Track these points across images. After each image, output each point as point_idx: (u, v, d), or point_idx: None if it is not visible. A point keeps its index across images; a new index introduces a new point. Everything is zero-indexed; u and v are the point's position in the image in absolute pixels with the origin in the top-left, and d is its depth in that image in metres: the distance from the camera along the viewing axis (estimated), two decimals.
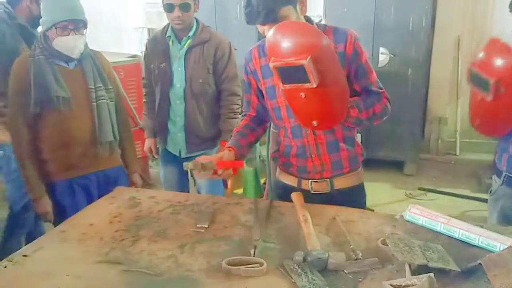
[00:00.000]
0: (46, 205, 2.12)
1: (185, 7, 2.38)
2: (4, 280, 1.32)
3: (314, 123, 1.56)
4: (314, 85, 1.41)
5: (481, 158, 4.64)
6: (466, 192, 4.01)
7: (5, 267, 1.37)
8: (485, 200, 3.78)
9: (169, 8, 2.38)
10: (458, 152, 4.89)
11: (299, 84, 1.44)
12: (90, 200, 2.05)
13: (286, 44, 1.42)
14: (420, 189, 4.14)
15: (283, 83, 1.47)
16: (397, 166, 4.58)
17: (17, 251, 1.45)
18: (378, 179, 4.30)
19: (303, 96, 1.47)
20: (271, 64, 1.45)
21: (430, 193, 4.07)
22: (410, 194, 4.06)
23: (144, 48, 2.77)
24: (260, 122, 1.90)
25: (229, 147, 1.76)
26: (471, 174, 4.38)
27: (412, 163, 4.56)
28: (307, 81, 1.41)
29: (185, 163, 1.62)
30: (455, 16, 4.64)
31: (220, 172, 1.66)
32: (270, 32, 1.46)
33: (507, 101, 1.66)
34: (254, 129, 1.87)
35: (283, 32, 1.44)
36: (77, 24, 2.04)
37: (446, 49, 4.74)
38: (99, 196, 1.94)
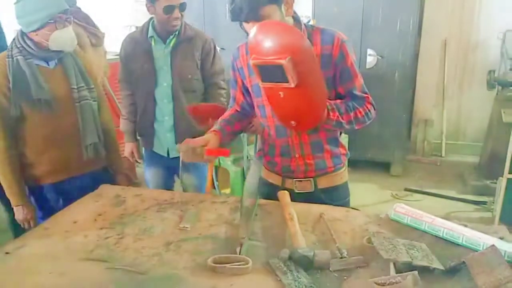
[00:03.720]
0: (27, 212, 2.05)
1: (182, 7, 2.36)
2: None
3: (292, 123, 1.58)
4: (292, 85, 1.42)
5: (466, 160, 4.71)
6: (452, 193, 4.05)
7: None
8: (470, 202, 3.87)
9: (169, 10, 2.31)
10: (444, 154, 4.95)
11: (278, 83, 1.45)
12: None
13: (267, 43, 1.42)
14: (406, 190, 4.17)
15: (262, 81, 1.48)
16: (384, 167, 4.61)
17: None
18: (365, 179, 4.32)
19: (282, 95, 1.48)
20: (251, 62, 1.45)
21: (416, 194, 4.10)
22: (396, 194, 4.08)
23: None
24: (244, 115, 1.91)
25: (215, 130, 1.76)
26: (457, 176, 4.43)
27: (398, 164, 4.59)
28: (286, 80, 1.42)
29: (177, 145, 1.65)
30: (442, 18, 4.68)
31: (205, 157, 1.67)
32: (252, 30, 1.47)
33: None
34: (240, 119, 1.88)
35: (265, 30, 1.45)
36: (67, 14, 1.96)
37: (433, 52, 4.78)
38: None
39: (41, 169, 2.07)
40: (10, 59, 1.94)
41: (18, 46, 1.96)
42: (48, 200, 2.12)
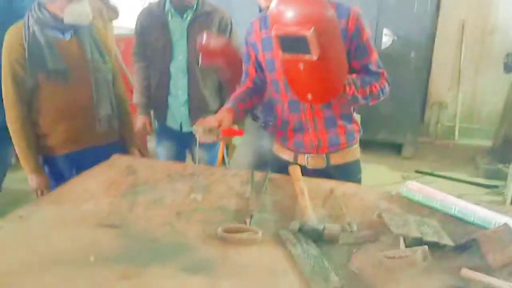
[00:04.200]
0: (40, 181, 2.08)
1: None
2: (0, 239, 1.32)
3: (309, 96, 1.56)
4: (315, 58, 1.40)
5: (479, 143, 4.65)
6: (463, 177, 4.02)
7: (1, 227, 1.37)
8: (482, 185, 3.84)
9: None
10: (457, 137, 4.89)
11: (299, 55, 1.43)
12: None
13: (290, 13, 1.40)
14: (417, 172, 4.15)
15: (282, 52, 1.46)
16: (395, 148, 4.58)
17: (13, 212, 1.45)
18: (376, 161, 4.30)
19: (301, 67, 1.46)
20: (273, 32, 1.43)
21: (426, 176, 4.08)
22: (407, 176, 4.06)
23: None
24: (257, 91, 1.89)
25: (228, 108, 1.75)
26: (469, 159, 4.38)
27: (410, 146, 4.55)
28: (308, 52, 1.39)
29: (194, 127, 1.63)
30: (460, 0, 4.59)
31: (220, 137, 1.67)
32: (274, 0, 1.44)
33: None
34: (251, 96, 1.86)
35: (288, 1, 1.42)
36: None
37: (450, 33, 4.69)
38: None
39: (54, 140, 2.09)
40: (26, 29, 1.94)
41: (35, 16, 1.96)
42: (61, 170, 2.14)
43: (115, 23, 3.58)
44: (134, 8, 5.00)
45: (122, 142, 2.30)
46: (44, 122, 2.07)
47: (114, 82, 2.20)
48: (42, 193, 2.09)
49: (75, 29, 2.03)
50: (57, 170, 2.15)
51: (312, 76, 1.48)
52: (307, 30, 1.36)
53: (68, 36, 2.03)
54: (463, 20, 4.65)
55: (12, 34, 1.96)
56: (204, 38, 2.15)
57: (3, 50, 1.97)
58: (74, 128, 2.09)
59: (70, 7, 1.92)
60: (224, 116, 1.70)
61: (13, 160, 2.72)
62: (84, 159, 2.09)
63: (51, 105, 2.03)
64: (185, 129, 2.57)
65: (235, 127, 1.86)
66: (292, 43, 1.41)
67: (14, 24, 2.00)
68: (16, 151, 2.08)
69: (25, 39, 1.93)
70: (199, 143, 1.67)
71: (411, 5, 4.16)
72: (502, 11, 4.55)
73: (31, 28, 1.95)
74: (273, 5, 1.44)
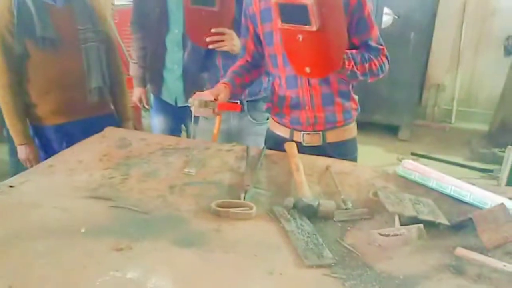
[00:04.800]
0: (29, 152, 2.05)
1: None
2: None
3: (307, 69, 1.51)
4: (314, 28, 1.36)
5: (476, 127, 4.65)
6: (458, 160, 4.02)
7: None
8: (477, 169, 3.84)
9: None
10: (453, 120, 4.89)
11: (299, 25, 1.39)
12: None
13: None
14: (412, 154, 4.14)
15: (281, 22, 1.42)
16: (392, 130, 4.56)
17: (3, 182, 1.43)
18: (372, 142, 4.29)
19: (300, 38, 1.42)
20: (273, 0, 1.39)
21: (422, 159, 4.07)
22: (402, 158, 4.04)
23: None
24: (255, 66, 1.85)
25: (225, 82, 1.72)
26: (465, 143, 4.38)
27: (406, 128, 4.54)
28: (308, 23, 1.35)
29: (190, 99, 1.60)
30: None
31: (216, 111, 1.64)
32: None
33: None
34: (249, 70, 1.82)
35: None
36: None
37: (451, 14, 4.64)
38: None
39: (44, 110, 2.06)
40: None
41: None
42: (51, 141, 2.11)
43: None
44: None
45: (114, 115, 2.26)
46: (34, 92, 2.03)
47: (108, 52, 2.15)
48: (31, 164, 2.07)
49: None
50: (46, 142, 2.12)
51: (311, 48, 1.45)
52: None
53: (60, 3, 1.97)
54: (465, 1, 4.59)
55: (2, 1, 1.90)
56: None
57: None
58: (65, 98, 2.05)
59: None
60: (220, 90, 1.67)
61: (4, 132, 2.68)
62: (74, 131, 2.07)
63: (41, 74, 1.99)
64: (180, 103, 2.53)
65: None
66: (292, 13, 1.37)
67: None
68: (6, 121, 2.04)
69: (15, 5, 1.88)
70: (194, 117, 1.65)
71: None
72: None
73: None
74: None
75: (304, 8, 1.33)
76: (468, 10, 4.61)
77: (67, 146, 1.95)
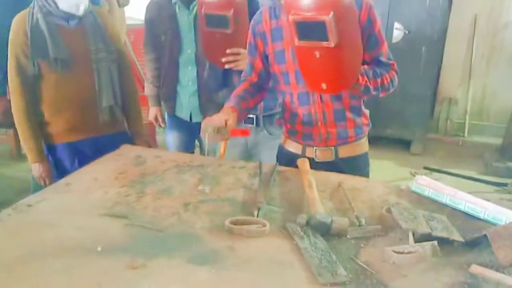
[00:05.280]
0: (42, 170, 2.09)
1: None
2: (8, 227, 1.33)
3: (323, 85, 1.53)
4: (332, 45, 1.37)
5: (489, 141, 4.61)
6: (472, 174, 3.99)
7: (9, 215, 1.38)
8: (491, 183, 3.80)
9: None
10: (466, 134, 4.85)
11: (316, 42, 1.40)
12: None
13: None
14: (425, 168, 4.12)
15: (299, 39, 1.43)
16: (404, 144, 4.55)
17: (21, 201, 1.46)
18: (384, 157, 4.28)
19: (318, 55, 1.43)
20: (290, 17, 1.40)
21: (435, 173, 4.05)
22: (415, 173, 4.04)
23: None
24: (259, 88, 1.86)
25: (232, 107, 1.72)
26: (478, 157, 4.35)
27: (419, 142, 4.52)
28: (326, 39, 1.37)
29: (203, 125, 1.61)
30: None
31: (227, 137, 1.65)
32: None
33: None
34: (253, 95, 1.83)
35: None
36: None
37: (462, 28, 4.64)
38: None
39: (56, 128, 2.09)
40: (30, 16, 1.95)
41: (40, 4, 1.97)
42: (63, 159, 2.14)
43: (127, 13, 3.59)
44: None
45: (127, 132, 2.28)
46: (47, 111, 2.07)
47: (121, 71, 2.18)
48: (45, 182, 2.10)
49: (80, 17, 2.02)
50: (58, 159, 2.15)
51: (328, 64, 1.46)
52: (326, 15, 1.34)
53: (73, 24, 2.02)
54: (476, 14, 4.59)
55: (16, 22, 1.97)
56: None
57: (9, 38, 1.98)
58: (77, 117, 2.08)
59: None
60: (229, 115, 1.67)
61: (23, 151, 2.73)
62: (86, 149, 2.11)
63: (54, 93, 2.03)
64: (195, 119, 2.56)
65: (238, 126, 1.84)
66: (309, 29, 1.39)
67: (20, 12, 2.00)
68: (21, 140, 2.09)
69: (28, 26, 1.94)
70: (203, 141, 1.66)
71: None
72: None
73: (34, 15, 1.95)
74: None
75: (322, 24, 1.35)
76: (479, 24, 4.61)
77: (79, 164, 2.01)
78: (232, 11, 1.95)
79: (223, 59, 2.08)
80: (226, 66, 2.10)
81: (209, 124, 1.61)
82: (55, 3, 1.95)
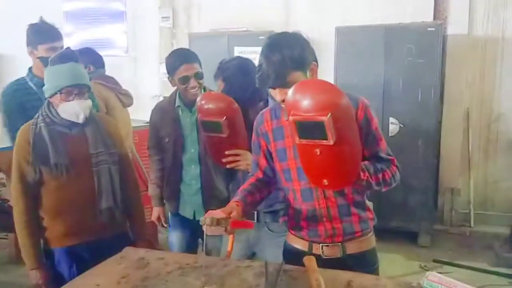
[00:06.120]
0: (39, 277, 2.05)
1: (198, 76, 2.46)
2: None
3: (325, 181, 1.56)
4: (331, 143, 1.43)
5: (496, 230, 4.53)
6: (483, 266, 3.87)
7: None
8: (503, 275, 3.68)
9: (184, 80, 2.42)
10: (472, 224, 4.78)
11: (316, 140, 1.45)
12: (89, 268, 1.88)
13: (307, 100, 1.45)
14: (435, 261, 4.01)
15: (299, 138, 1.49)
16: (411, 237, 4.47)
17: None
18: (391, 250, 4.17)
19: (318, 152, 1.48)
20: (290, 118, 1.47)
21: (445, 266, 3.93)
22: (425, 266, 3.92)
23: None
24: (266, 183, 1.89)
25: (237, 201, 1.73)
26: (487, 247, 4.24)
27: (426, 234, 4.44)
28: (325, 137, 1.42)
29: (202, 218, 1.60)
30: (463, 89, 4.72)
31: (229, 229, 1.64)
32: (291, 89, 1.50)
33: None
34: (260, 189, 1.86)
35: (304, 88, 1.48)
36: (81, 89, 2.05)
37: (456, 120, 4.77)
38: None
39: (54, 232, 2.08)
40: (34, 126, 2.04)
41: (43, 114, 2.07)
42: (61, 264, 2.10)
43: (132, 116, 3.73)
44: (149, 102, 5.27)
45: (127, 234, 2.25)
46: (46, 215, 2.07)
47: (123, 173, 2.21)
48: None
49: (82, 124, 2.09)
50: (56, 264, 2.10)
51: (329, 161, 1.50)
52: (324, 116, 1.40)
53: (73, 131, 2.09)
54: (468, 108, 4.76)
55: (21, 133, 2.06)
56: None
57: (14, 148, 2.06)
58: (74, 220, 2.07)
59: (62, 105, 2.03)
60: (233, 208, 1.68)
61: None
62: (84, 253, 2.08)
63: (54, 198, 2.05)
64: (198, 217, 2.53)
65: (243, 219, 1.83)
66: (309, 129, 1.45)
67: (25, 123, 2.10)
68: (20, 246, 2.07)
69: (32, 135, 2.02)
70: (207, 235, 1.64)
71: (415, 94, 4.30)
72: (505, 99, 4.66)
73: (38, 125, 2.04)
74: (290, 93, 1.50)
75: (321, 124, 1.41)
76: (472, 116, 4.75)
77: (77, 269, 1.97)
78: (224, 117, 2.03)
79: (223, 159, 2.14)
80: (228, 166, 2.15)
81: (210, 215, 1.61)
82: (57, 112, 2.05)
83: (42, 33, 2.61)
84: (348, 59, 4.50)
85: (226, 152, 2.12)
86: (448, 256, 4.12)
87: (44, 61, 2.54)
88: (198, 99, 2.18)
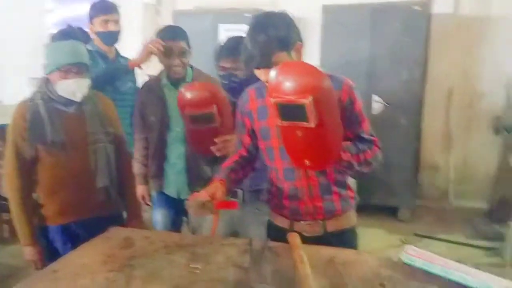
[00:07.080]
0: (34, 253, 2.07)
1: (184, 55, 2.46)
2: None
3: (307, 162, 1.58)
4: (312, 125, 1.44)
5: (475, 205, 4.66)
6: (462, 239, 3.99)
7: None
8: (481, 247, 3.80)
9: (167, 54, 2.45)
10: (452, 200, 4.90)
11: (297, 122, 1.47)
12: None
13: (289, 83, 1.45)
14: (416, 235, 4.12)
15: (281, 120, 1.50)
16: (392, 211, 4.57)
17: None
18: (372, 225, 4.27)
19: (299, 134, 1.50)
20: (272, 100, 1.47)
21: (425, 239, 4.04)
22: (405, 240, 4.03)
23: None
24: (249, 161, 1.91)
25: (220, 180, 1.75)
26: (466, 221, 4.38)
27: (406, 209, 4.55)
28: (306, 120, 1.43)
29: (187, 202, 1.62)
30: (447, 68, 4.76)
31: (214, 211, 1.66)
32: (273, 71, 1.50)
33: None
34: (243, 166, 1.88)
35: (287, 70, 1.48)
36: (80, 68, 2.03)
37: (438, 99, 4.83)
38: None
39: (50, 210, 2.08)
40: (31, 102, 2.02)
41: (41, 90, 2.04)
42: (56, 241, 2.11)
43: None
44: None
45: (121, 214, 2.27)
46: (42, 193, 2.07)
47: (119, 154, 2.22)
48: (36, 266, 2.05)
49: (80, 102, 2.08)
50: (51, 241, 2.11)
51: (310, 142, 1.52)
52: (305, 99, 1.41)
53: (71, 109, 2.08)
54: (451, 87, 4.81)
55: (18, 110, 2.03)
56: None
57: (9, 125, 2.03)
58: (71, 198, 2.08)
59: (61, 82, 2.02)
60: (216, 188, 1.69)
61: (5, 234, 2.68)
62: (79, 231, 2.09)
63: (49, 175, 2.05)
64: (183, 196, 2.57)
65: (227, 198, 1.85)
66: (290, 111, 1.46)
67: (22, 100, 2.07)
68: (14, 223, 2.07)
69: (29, 112, 2.00)
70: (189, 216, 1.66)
71: (400, 73, 4.33)
72: (487, 77, 4.72)
73: (35, 101, 2.02)
74: (272, 75, 1.50)
75: (302, 107, 1.42)
76: (455, 95, 4.81)
77: (72, 246, 1.95)
78: (214, 106, 2.01)
79: (212, 148, 2.10)
80: (217, 154, 2.12)
81: (194, 199, 1.62)
82: (55, 90, 2.03)
83: (95, 6, 2.80)
84: (335, 37, 4.50)
85: (216, 140, 2.09)
86: (427, 230, 4.23)
87: (101, 35, 2.80)
88: (182, 90, 2.11)
